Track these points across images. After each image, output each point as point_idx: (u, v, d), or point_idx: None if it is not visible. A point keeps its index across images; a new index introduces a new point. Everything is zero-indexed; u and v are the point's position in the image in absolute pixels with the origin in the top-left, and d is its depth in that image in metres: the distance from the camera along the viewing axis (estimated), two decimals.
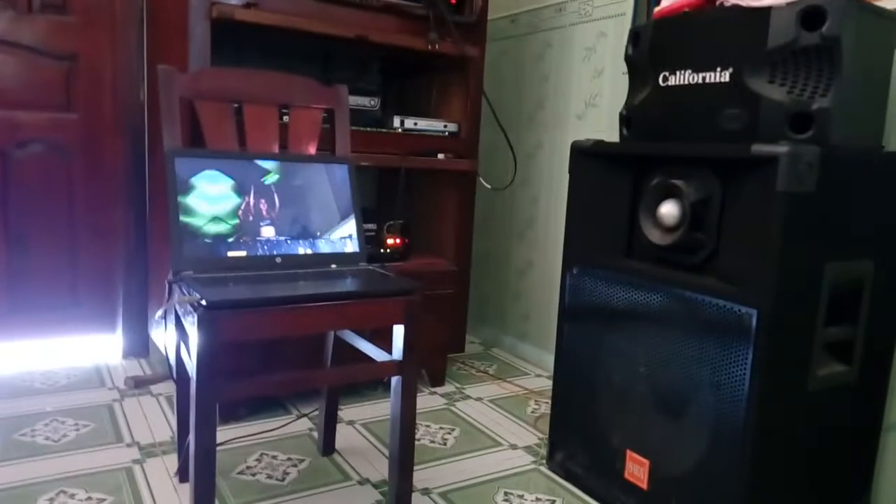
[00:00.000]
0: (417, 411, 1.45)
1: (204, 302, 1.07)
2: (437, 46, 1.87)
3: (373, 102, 2.02)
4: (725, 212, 1.21)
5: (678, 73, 1.29)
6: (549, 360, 2.26)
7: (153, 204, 2.10)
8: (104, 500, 1.36)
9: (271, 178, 1.38)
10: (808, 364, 1.19)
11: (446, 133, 2.01)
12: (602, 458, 1.45)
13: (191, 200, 1.28)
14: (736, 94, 1.20)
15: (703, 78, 1.25)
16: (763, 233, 1.12)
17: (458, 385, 2.14)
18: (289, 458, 1.58)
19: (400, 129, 1.94)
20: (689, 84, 1.27)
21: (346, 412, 1.86)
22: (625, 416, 1.39)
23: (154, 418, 1.74)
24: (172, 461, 1.52)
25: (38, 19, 1.99)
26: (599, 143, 1.43)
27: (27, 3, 1.97)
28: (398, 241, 2.01)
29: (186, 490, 1.40)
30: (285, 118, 1.51)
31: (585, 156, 1.46)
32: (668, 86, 1.32)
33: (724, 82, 1.22)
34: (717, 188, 1.22)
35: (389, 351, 1.31)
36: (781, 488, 1.22)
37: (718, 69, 1.23)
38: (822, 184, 1.11)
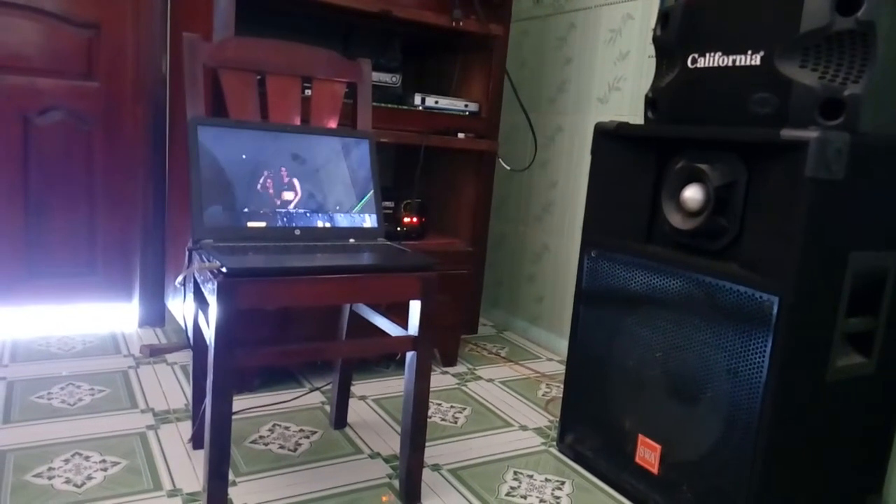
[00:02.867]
0: (430, 389, 1.45)
1: (224, 269, 1.07)
2: (460, 24, 1.85)
3: (394, 79, 2.01)
4: (750, 197, 1.20)
5: (708, 55, 1.27)
6: (561, 344, 2.26)
7: (172, 174, 2.10)
8: (118, 463, 1.37)
9: (293, 151, 1.37)
10: (827, 354, 1.18)
11: (467, 112, 2.00)
12: (613, 441, 1.45)
13: (212, 170, 1.28)
14: (766, 78, 1.18)
15: (734, 61, 1.23)
16: (788, 219, 1.10)
17: (470, 366, 2.14)
18: (301, 430, 1.59)
19: (421, 107, 1.93)
20: (719, 66, 1.25)
21: (358, 388, 1.87)
22: (638, 401, 1.39)
23: (168, 386, 1.76)
24: (186, 428, 1.53)
25: None
26: (623, 125, 1.42)
27: None
28: (415, 219, 2.01)
29: (200, 456, 1.42)
30: (307, 92, 1.51)
31: (609, 138, 1.45)
32: (696, 68, 1.30)
33: (755, 65, 1.20)
34: (742, 173, 1.20)
35: (404, 327, 1.31)
36: (794, 478, 1.21)
37: (749, 52, 1.21)
38: (850, 171, 1.09)
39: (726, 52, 1.24)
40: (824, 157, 1.06)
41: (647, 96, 1.44)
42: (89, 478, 1.31)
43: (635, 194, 1.43)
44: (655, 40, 1.42)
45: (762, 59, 1.19)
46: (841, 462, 1.29)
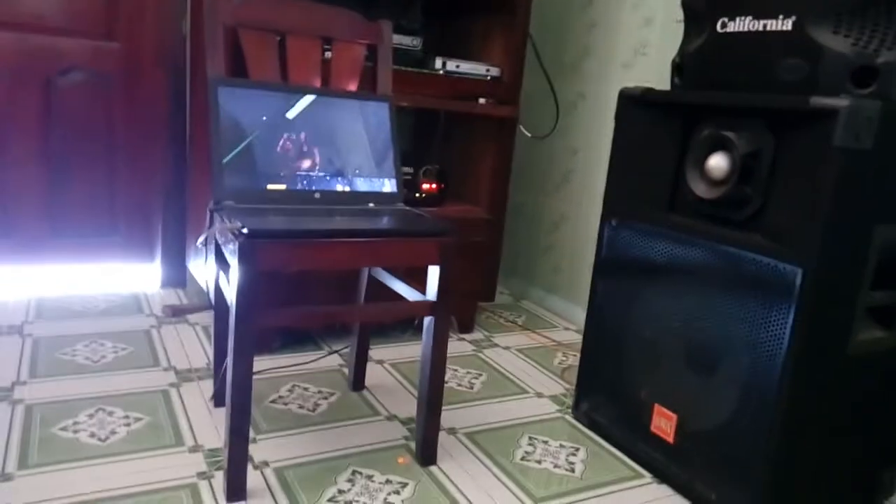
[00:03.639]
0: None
1: (245, 230, 1.08)
2: None
3: (414, 42, 1.98)
4: (776, 166, 1.18)
5: (738, 19, 1.24)
6: (578, 313, 2.26)
7: (193, 136, 2.11)
8: (141, 419, 1.40)
9: (312, 113, 1.37)
10: (849, 327, 1.16)
11: (488, 77, 1.97)
12: (628, 410, 1.46)
13: (232, 131, 1.28)
14: (797, 44, 1.15)
15: (764, 25, 1.20)
16: (814, 189, 1.08)
17: (487, 333, 2.15)
18: (320, 391, 1.61)
19: (441, 71, 1.91)
20: (749, 31, 1.22)
21: (376, 352, 1.88)
22: (655, 370, 1.39)
23: (190, 345, 1.79)
24: (208, 386, 1.56)
25: None
26: (649, 91, 1.39)
27: None
28: (433, 186, 2.00)
29: (221, 414, 1.44)
30: (328, 54, 1.49)
31: (633, 104, 1.42)
32: (725, 33, 1.26)
33: (786, 31, 1.16)
34: (769, 141, 1.18)
35: (422, 292, 1.32)
36: (811, 449, 1.21)
37: (781, 17, 1.17)
38: (879, 141, 1.07)
39: (757, 17, 1.21)
40: (854, 126, 1.04)
41: (673, 62, 1.41)
42: (113, 432, 1.34)
43: (659, 162, 1.41)
44: (684, 4, 1.38)
45: (793, 24, 1.15)
46: (859, 436, 1.29)
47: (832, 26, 1.12)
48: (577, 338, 2.15)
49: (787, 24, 1.17)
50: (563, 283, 2.40)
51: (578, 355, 1.59)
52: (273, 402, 1.54)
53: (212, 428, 1.40)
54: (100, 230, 2.19)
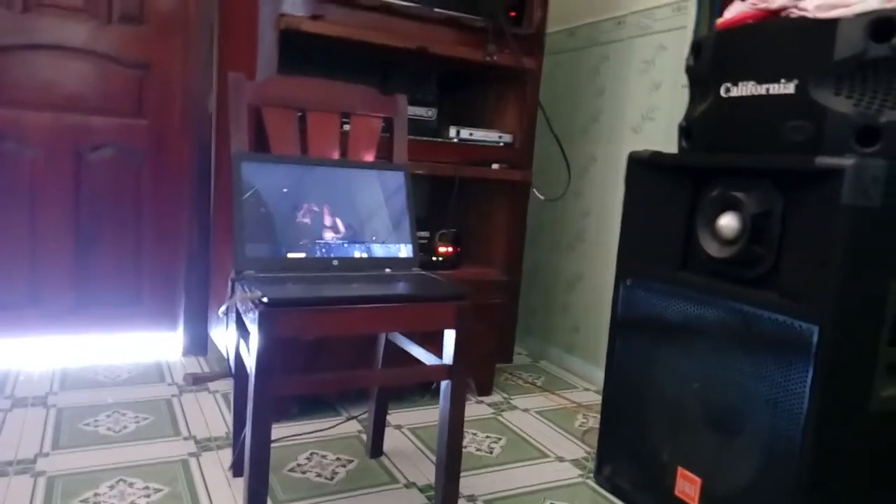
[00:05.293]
0: (465, 418, 1.46)
1: (265, 299, 1.10)
2: (494, 58, 1.89)
3: (429, 113, 2.06)
4: (787, 225, 1.19)
5: (741, 84, 1.28)
6: (598, 373, 2.24)
7: (217, 208, 2.17)
8: (160, 490, 1.40)
9: (331, 184, 1.41)
10: (870, 384, 1.15)
11: (501, 144, 2.03)
12: (651, 473, 1.43)
13: (254, 203, 1.32)
14: (800, 107, 1.18)
15: (767, 89, 1.23)
16: (826, 247, 1.09)
17: (506, 395, 2.13)
18: (338, 458, 1.60)
19: (455, 139, 1.96)
20: (753, 95, 1.26)
21: (393, 417, 1.87)
22: (676, 432, 1.37)
23: (210, 414, 1.80)
24: (227, 456, 1.56)
25: (116, 29, 2.09)
26: (657, 154, 1.43)
27: (107, 14, 2.08)
28: (449, 249, 2.03)
29: (239, 484, 1.44)
30: (346, 126, 1.55)
31: (643, 167, 1.45)
32: (730, 97, 1.30)
33: (789, 94, 1.20)
34: (778, 201, 1.20)
35: (439, 356, 1.33)
36: None
37: (783, 81, 1.21)
38: (888, 198, 1.08)
39: (760, 81, 1.25)
40: (861, 184, 1.06)
41: (680, 125, 1.45)
42: None
43: (670, 223, 1.43)
44: (689, 71, 1.43)
45: (796, 87, 1.19)
46: (885, 493, 1.25)
47: (833, 88, 1.15)
48: (597, 398, 2.12)
49: (790, 88, 1.20)
50: (581, 343, 2.39)
51: (599, 417, 1.57)
52: (291, 470, 1.53)
53: (230, 498, 1.39)
54: (125, 300, 2.24)
